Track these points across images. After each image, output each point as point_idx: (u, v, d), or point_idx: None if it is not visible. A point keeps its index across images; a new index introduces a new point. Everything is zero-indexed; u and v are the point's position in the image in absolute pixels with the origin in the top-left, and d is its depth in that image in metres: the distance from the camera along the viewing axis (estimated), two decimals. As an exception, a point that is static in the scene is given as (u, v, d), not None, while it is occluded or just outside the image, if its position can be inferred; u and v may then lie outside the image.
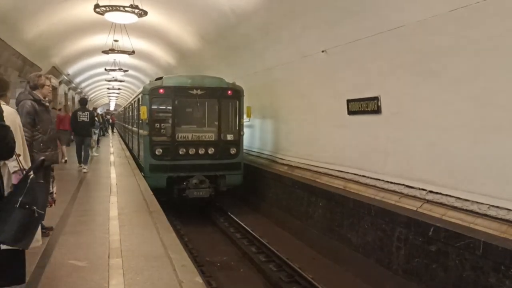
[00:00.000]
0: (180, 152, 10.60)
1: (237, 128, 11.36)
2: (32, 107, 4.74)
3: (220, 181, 11.00)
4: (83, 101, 12.06)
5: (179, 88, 10.89)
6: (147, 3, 10.21)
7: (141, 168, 11.30)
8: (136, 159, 13.37)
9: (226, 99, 11.25)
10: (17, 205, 2.70)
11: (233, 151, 11.10)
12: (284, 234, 9.52)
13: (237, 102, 11.29)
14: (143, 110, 10.61)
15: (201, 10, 11.19)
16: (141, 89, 12.18)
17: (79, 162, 10.85)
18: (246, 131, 11.89)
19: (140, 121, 11.45)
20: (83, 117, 10.96)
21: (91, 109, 14.42)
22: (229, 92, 11.16)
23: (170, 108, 11.01)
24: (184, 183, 10.48)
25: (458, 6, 5.31)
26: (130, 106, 18.23)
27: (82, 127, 10.94)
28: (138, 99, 12.58)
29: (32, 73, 5.12)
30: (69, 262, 4.06)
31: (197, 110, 11.56)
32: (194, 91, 10.75)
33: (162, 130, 11.08)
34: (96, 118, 12.95)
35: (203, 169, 10.68)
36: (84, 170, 10.51)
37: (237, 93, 11.27)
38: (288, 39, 9.60)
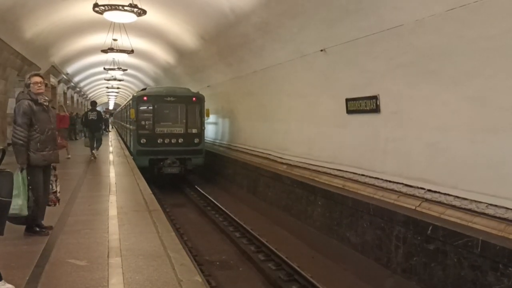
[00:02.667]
0: (158, 141, 14.61)
1: (200, 124, 15.27)
2: (28, 107, 4.72)
3: (187, 162, 14.90)
4: (93, 104, 14.66)
5: (157, 96, 15.10)
6: (146, 2, 10.21)
7: (131, 153, 15.35)
8: (128, 147, 18.07)
9: (191, 104, 15.25)
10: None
11: (196, 140, 15.12)
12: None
13: (200, 106, 15.30)
14: (132, 112, 14.85)
15: (201, 10, 11.19)
16: (131, 97, 16.93)
17: (92, 150, 13.36)
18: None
19: (130, 120, 15.62)
20: (92, 116, 13.51)
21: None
22: (194, 99, 15.30)
23: (152, 109, 15.00)
24: (161, 163, 14.40)
25: (456, 6, 5.33)
26: (125, 109, 22.88)
27: (92, 124, 13.50)
28: (129, 104, 16.98)
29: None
30: (69, 261, 4.07)
31: (170, 112, 15.41)
32: (168, 98, 14.99)
33: (145, 126, 14.94)
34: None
35: (174, 153, 14.64)
36: (92, 158, 13.07)
37: (200, 100, 15.38)
38: (286, 38, 9.61)
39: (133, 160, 13.29)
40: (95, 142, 13.46)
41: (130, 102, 16.20)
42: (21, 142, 4.66)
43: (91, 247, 4.55)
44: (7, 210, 3.29)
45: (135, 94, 15.95)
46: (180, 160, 14.63)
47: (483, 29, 5.23)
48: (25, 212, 4.50)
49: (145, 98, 15.00)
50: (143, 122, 14.90)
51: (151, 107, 14.95)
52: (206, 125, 15.73)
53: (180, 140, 14.78)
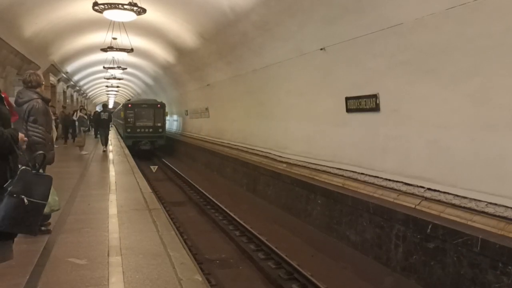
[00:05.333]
0: (137, 130, 24.18)
1: (162, 120, 25.01)
2: (45, 107, 4.74)
3: (154, 143, 24.45)
4: (105, 106, 18.54)
5: (137, 104, 25.45)
6: (145, 1, 10.19)
7: (122, 137, 25.12)
8: (120, 134, 28.33)
9: (157, 108, 24.86)
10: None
11: (160, 130, 24.73)
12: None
13: (162, 109, 25.09)
14: (122, 114, 25.23)
15: (200, 8, 11.18)
16: (121, 105, 29.00)
17: (103, 144, 16.03)
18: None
19: (121, 118, 25.93)
20: (104, 116, 16.42)
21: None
22: (158, 105, 25.01)
23: (133, 112, 24.36)
24: (139, 143, 23.70)
25: (455, 4, 5.33)
26: (119, 111, 32.49)
27: (104, 122, 16.33)
28: (120, 109, 28.92)
29: (27, 72, 5.03)
30: (69, 260, 4.07)
31: (145, 113, 24.58)
32: (143, 105, 24.93)
33: (130, 121, 24.28)
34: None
35: (147, 137, 24.13)
36: (104, 149, 15.64)
37: (162, 105, 25.15)
38: (286, 37, 9.60)
39: (123, 141, 22.79)
40: (104, 138, 16.13)
41: (121, 107, 28.14)
42: (44, 141, 4.67)
43: (91, 246, 4.56)
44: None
45: (124, 103, 28.35)
46: (150, 141, 24.29)
47: (482, 27, 5.22)
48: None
49: (129, 105, 25.11)
50: (128, 119, 24.37)
51: (133, 111, 24.47)
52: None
53: (150, 130, 24.44)
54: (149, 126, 24.29)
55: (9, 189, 2.91)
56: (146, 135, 24.10)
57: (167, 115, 25.96)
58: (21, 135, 3.32)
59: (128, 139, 23.56)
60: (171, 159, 24.10)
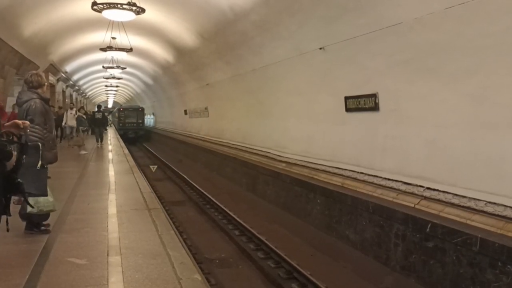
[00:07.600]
0: (126, 125, 37.60)
1: (142, 118, 38.76)
2: (42, 106, 4.75)
3: (137, 133, 37.56)
4: (99, 106, 20.49)
5: (126, 108, 41.00)
6: (145, 1, 10.17)
7: (117, 129, 36.67)
8: (115, 127, 39.04)
9: (139, 111, 38.84)
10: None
11: (141, 125, 38.47)
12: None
13: (143, 111, 38.96)
14: (116, 114, 40.89)
15: (199, 8, 11.16)
16: (116, 109, 46.17)
17: (97, 141, 18.27)
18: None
19: (116, 117, 40.83)
20: (98, 115, 18.63)
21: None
22: (140, 109, 39.20)
23: (124, 113, 38.57)
24: (127, 133, 35.60)
25: (455, 4, 5.33)
26: (115, 112, 43.68)
27: (98, 121, 18.45)
28: (116, 111, 43.15)
29: (30, 72, 5.07)
30: (68, 260, 4.07)
31: (131, 114, 38.37)
32: (130, 109, 39.95)
33: (121, 119, 38.08)
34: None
35: (132, 129, 37.31)
36: (98, 146, 17.77)
37: (143, 109, 39.22)
38: (285, 36, 9.60)
39: (117, 132, 33.06)
40: (99, 135, 18.20)
41: (116, 110, 42.09)
42: (42, 141, 4.69)
43: (91, 245, 4.56)
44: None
45: (117, 108, 42.62)
46: (134, 132, 36.46)
47: (482, 27, 5.23)
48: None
49: (121, 109, 39.11)
50: (120, 118, 37.21)
51: (124, 112, 37.67)
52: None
53: (134, 125, 37.02)
54: (133, 122, 37.37)
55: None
56: (131, 128, 36.97)
57: (146, 115, 41.04)
58: (23, 121, 3.61)
59: (120, 130, 35.34)
60: (148, 143, 35.71)
